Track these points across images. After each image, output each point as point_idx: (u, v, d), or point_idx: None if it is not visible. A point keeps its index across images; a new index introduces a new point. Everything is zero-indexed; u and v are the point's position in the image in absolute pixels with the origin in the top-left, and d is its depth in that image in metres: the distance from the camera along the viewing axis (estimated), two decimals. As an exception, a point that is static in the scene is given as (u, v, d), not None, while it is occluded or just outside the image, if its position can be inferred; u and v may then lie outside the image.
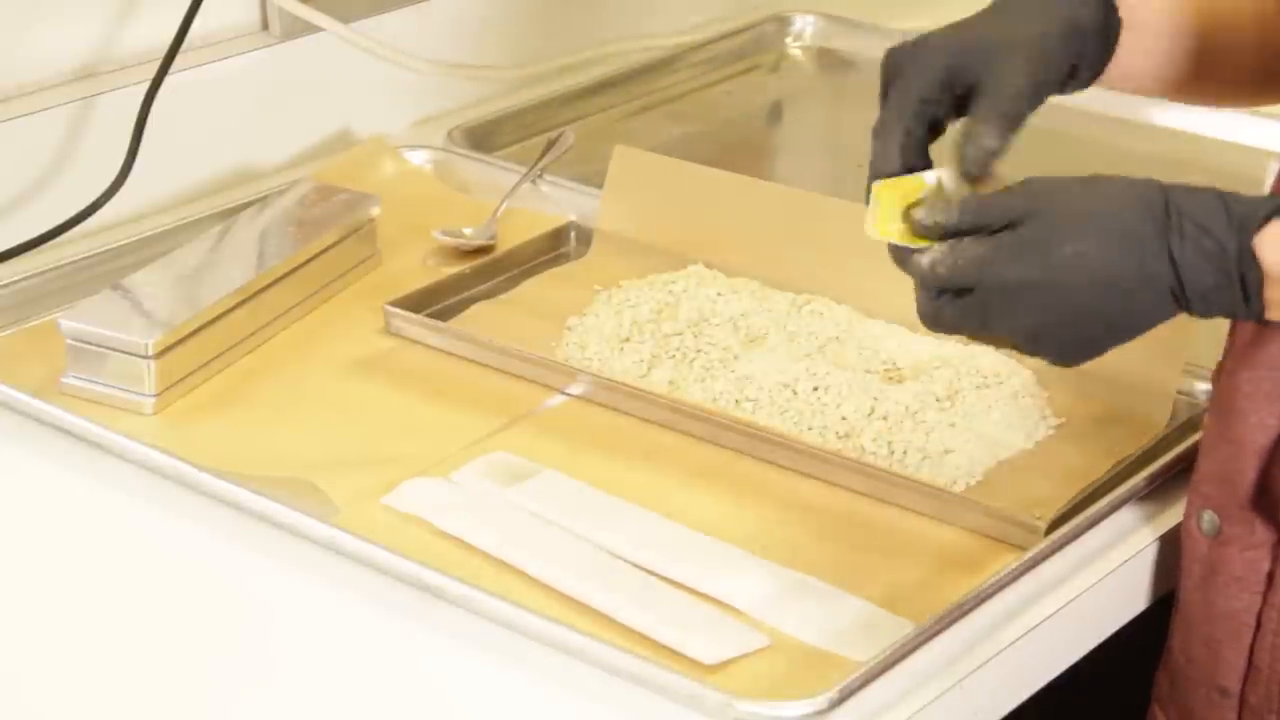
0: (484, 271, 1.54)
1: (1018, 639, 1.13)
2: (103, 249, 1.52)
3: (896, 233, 1.08)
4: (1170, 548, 1.22)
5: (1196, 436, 1.25)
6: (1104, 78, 1.19)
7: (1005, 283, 1.05)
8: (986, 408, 1.34)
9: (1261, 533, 1.15)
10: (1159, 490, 1.26)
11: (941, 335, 1.26)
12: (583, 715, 1.09)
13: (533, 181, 1.63)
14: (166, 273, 1.43)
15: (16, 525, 1.25)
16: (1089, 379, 1.34)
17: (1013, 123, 1.10)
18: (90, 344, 1.35)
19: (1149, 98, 1.28)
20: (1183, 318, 1.12)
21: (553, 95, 1.81)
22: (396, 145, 1.70)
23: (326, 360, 1.43)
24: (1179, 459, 1.27)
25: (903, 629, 1.13)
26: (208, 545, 1.22)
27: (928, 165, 1.11)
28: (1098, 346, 1.08)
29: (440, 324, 1.45)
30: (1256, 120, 1.74)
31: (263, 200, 1.55)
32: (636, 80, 1.87)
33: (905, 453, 1.30)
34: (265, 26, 1.70)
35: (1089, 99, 1.78)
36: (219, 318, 1.39)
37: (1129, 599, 1.22)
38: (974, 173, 1.09)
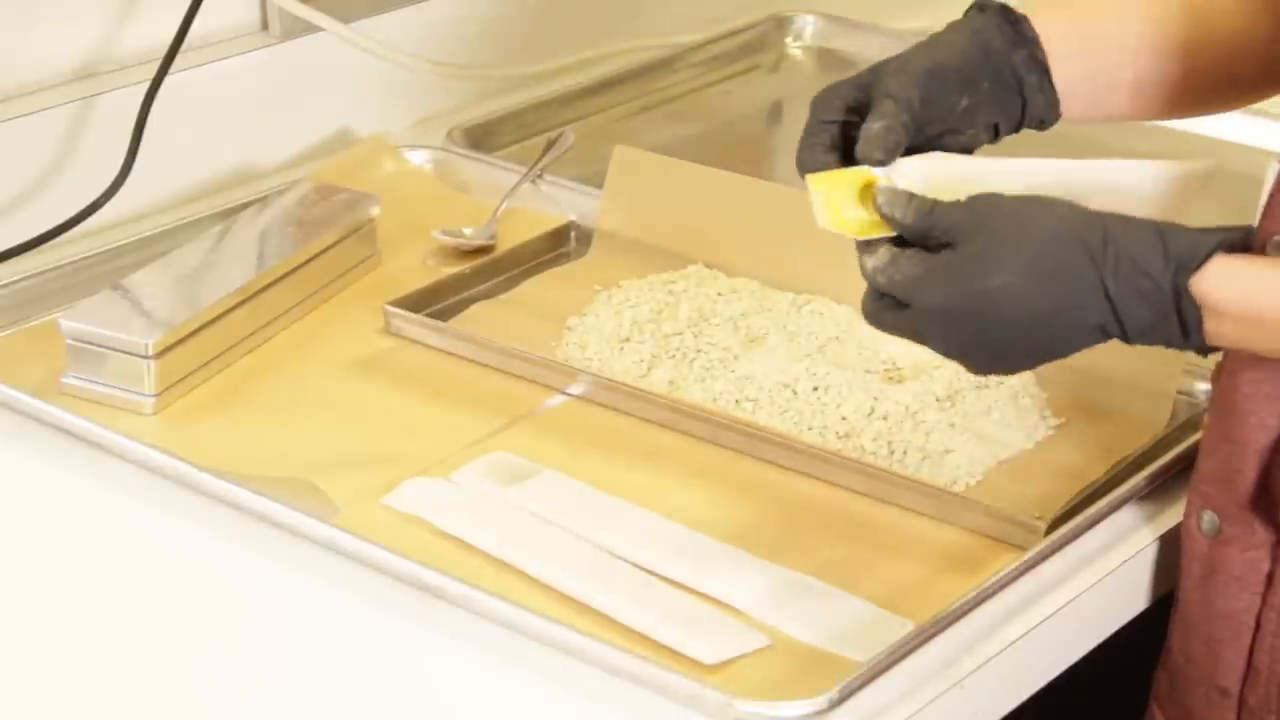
0: (484, 271, 1.54)
1: (1018, 639, 1.13)
2: (103, 249, 1.52)
3: (851, 225, 1.10)
4: (1170, 548, 1.22)
5: (1196, 436, 1.25)
6: (1076, 111, 1.21)
7: (933, 307, 1.07)
8: (986, 408, 1.34)
9: (1261, 533, 1.15)
10: (1159, 490, 1.26)
11: None
12: (583, 715, 1.09)
13: (533, 181, 1.63)
14: (166, 273, 1.43)
15: (16, 525, 1.25)
16: (1089, 379, 1.34)
17: (898, 110, 1.12)
18: (90, 344, 1.35)
19: (1147, 119, 1.29)
20: None
21: (553, 95, 1.81)
22: (396, 145, 1.69)
23: (326, 360, 1.43)
24: (1179, 459, 1.27)
25: (903, 629, 1.13)
26: (208, 545, 1.22)
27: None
28: (1024, 365, 1.11)
29: (440, 324, 1.45)
30: (1256, 120, 1.74)
31: (263, 200, 1.55)
32: (636, 80, 1.87)
33: (905, 453, 1.30)
34: (265, 26, 1.70)
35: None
36: (219, 318, 1.39)
37: (1128, 599, 1.22)
38: (873, 158, 1.11)
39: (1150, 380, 1.34)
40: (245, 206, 1.55)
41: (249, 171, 1.67)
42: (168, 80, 1.56)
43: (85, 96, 1.57)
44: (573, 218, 1.60)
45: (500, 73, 1.82)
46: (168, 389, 1.36)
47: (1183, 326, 1.05)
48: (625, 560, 1.20)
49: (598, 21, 1.91)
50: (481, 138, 1.73)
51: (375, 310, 1.46)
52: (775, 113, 1.98)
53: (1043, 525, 1.23)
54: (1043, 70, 1.18)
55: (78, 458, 1.29)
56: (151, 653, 1.14)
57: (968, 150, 1.18)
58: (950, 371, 1.37)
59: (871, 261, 1.09)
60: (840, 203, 1.11)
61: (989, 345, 1.08)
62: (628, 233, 1.55)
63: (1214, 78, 1.24)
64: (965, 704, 1.10)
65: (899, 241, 1.10)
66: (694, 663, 1.12)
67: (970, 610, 1.14)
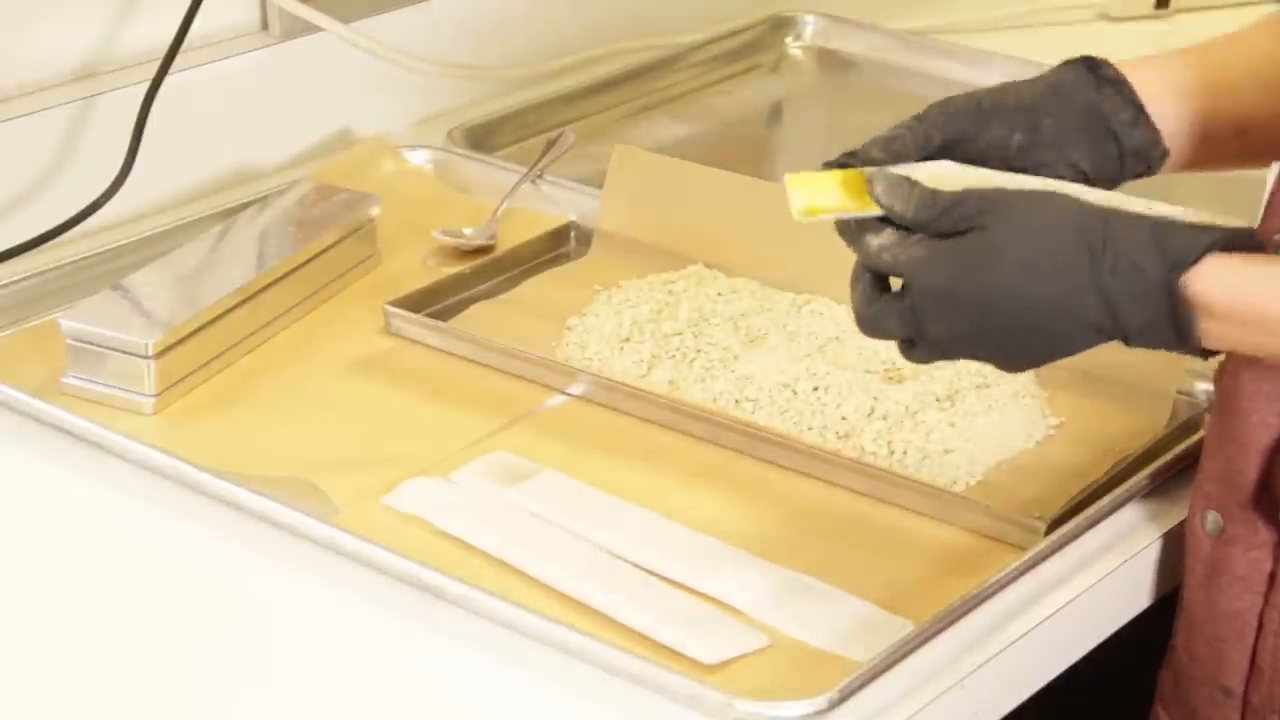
0: (484, 271, 1.54)
1: (1018, 639, 1.13)
2: (103, 249, 1.52)
3: (827, 209, 1.09)
4: (1170, 548, 1.22)
5: (1198, 436, 1.25)
6: (1187, 155, 1.19)
7: (936, 289, 1.06)
8: (986, 408, 1.34)
9: (1264, 533, 1.15)
10: (1159, 490, 1.26)
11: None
12: (583, 715, 1.09)
13: (533, 181, 1.63)
14: (166, 273, 1.43)
15: (16, 525, 1.25)
16: (1089, 379, 1.34)
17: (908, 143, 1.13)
18: (90, 344, 1.35)
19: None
20: None
21: (553, 95, 1.81)
22: (396, 145, 1.69)
23: (326, 360, 1.43)
24: (1179, 459, 1.27)
25: (903, 629, 1.13)
26: (208, 545, 1.22)
27: None
28: (1022, 363, 1.11)
29: (440, 324, 1.45)
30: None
31: (263, 200, 1.55)
32: (636, 80, 1.87)
33: (905, 453, 1.30)
34: (265, 26, 1.70)
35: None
36: (219, 318, 1.39)
37: (1128, 599, 1.22)
38: (871, 155, 1.11)
39: (1150, 380, 1.34)
40: (245, 206, 1.55)
41: (249, 171, 1.67)
42: (168, 80, 1.56)
43: (85, 96, 1.57)
44: (573, 218, 1.60)
45: (500, 73, 1.82)
46: (168, 389, 1.36)
47: (1177, 327, 1.05)
48: (625, 560, 1.20)
49: (598, 21, 1.91)
50: (481, 138, 1.73)
51: (375, 310, 1.46)
52: (775, 113, 1.98)
53: (1043, 525, 1.23)
54: (1136, 108, 1.16)
55: (78, 458, 1.29)
56: (152, 653, 1.14)
57: None
58: (950, 371, 1.37)
59: (877, 240, 1.08)
60: (818, 190, 1.10)
61: (987, 337, 1.07)
62: (628, 233, 1.55)
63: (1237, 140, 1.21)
64: (965, 704, 1.10)
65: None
66: (694, 663, 1.12)
67: (970, 610, 1.14)
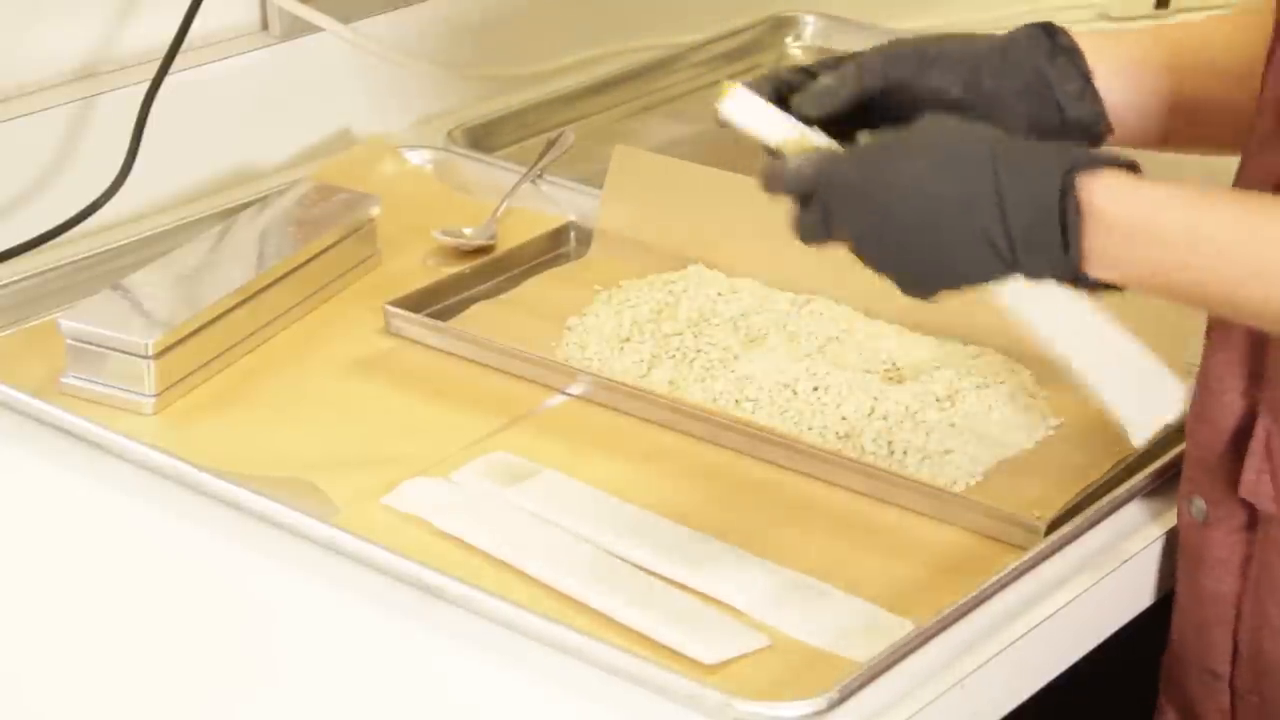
0: (484, 271, 1.54)
1: (1018, 639, 1.13)
2: (103, 249, 1.52)
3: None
4: (1170, 548, 1.22)
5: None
6: (1130, 132, 1.19)
7: (843, 185, 1.06)
8: (986, 408, 1.34)
9: (1241, 515, 1.16)
10: (1159, 490, 1.26)
11: (931, 332, 1.35)
12: (583, 715, 1.09)
13: (533, 181, 1.63)
14: (166, 273, 1.43)
15: (16, 525, 1.25)
16: (1089, 379, 1.34)
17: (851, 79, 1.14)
18: (90, 344, 1.35)
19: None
20: (1181, 319, 1.12)
21: (553, 95, 1.81)
22: (396, 145, 1.69)
23: (326, 360, 1.43)
24: (1179, 458, 1.27)
25: (903, 629, 1.13)
26: (208, 545, 1.22)
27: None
28: (925, 278, 1.07)
29: (440, 324, 1.45)
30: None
31: (263, 200, 1.55)
32: (636, 80, 1.87)
33: (905, 453, 1.30)
34: (265, 26, 1.70)
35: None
36: (219, 318, 1.39)
37: (1129, 599, 1.22)
38: (802, 112, 1.12)
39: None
40: (245, 206, 1.55)
41: (249, 171, 1.67)
42: (168, 80, 1.56)
43: (85, 96, 1.57)
44: (572, 218, 1.60)
45: (500, 73, 1.82)
46: (168, 389, 1.36)
47: (1064, 233, 1.02)
48: (625, 560, 1.20)
49: (598, 21, 1.91)
50: (481, 138, 1.73)
51: (375, 310, 1.46)
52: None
53: (1043, 525, 1.23)
54: (1084, 79, 1.16)
55: (78, 458, 1.29)
56: (152, 653, 1.14)
57: None
58: (950, 372, 1.37)
59: (795, 161, 1.08)
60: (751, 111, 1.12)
61: (887, 236, 1.06)
62: (628, 233, 1.55)
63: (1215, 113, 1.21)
64: (965, 704, 1.10)
65: None
66: (694, 663, 1.12)
67: (970, 610, 1.14)
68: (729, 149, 1.85)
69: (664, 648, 1.13)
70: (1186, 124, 1.20)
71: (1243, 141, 1.15)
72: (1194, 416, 1.18)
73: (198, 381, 1.38)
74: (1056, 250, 1.03)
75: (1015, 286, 1.06)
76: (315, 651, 1.14)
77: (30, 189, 1.55)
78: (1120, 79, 1.17)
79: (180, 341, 1.36)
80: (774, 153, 1.11)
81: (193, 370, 1.38)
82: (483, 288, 1.52)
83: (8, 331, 1.44)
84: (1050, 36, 1.16)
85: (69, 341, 1.36)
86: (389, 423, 1.35)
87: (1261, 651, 1.17)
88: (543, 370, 1.39)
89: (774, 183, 1.09)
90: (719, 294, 1.47)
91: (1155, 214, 1.03)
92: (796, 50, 1.99)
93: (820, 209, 1.07)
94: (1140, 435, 1.08)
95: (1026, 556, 1.19)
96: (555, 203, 1.62)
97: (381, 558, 1.17)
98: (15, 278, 1.47)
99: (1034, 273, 1.04)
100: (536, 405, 1.37)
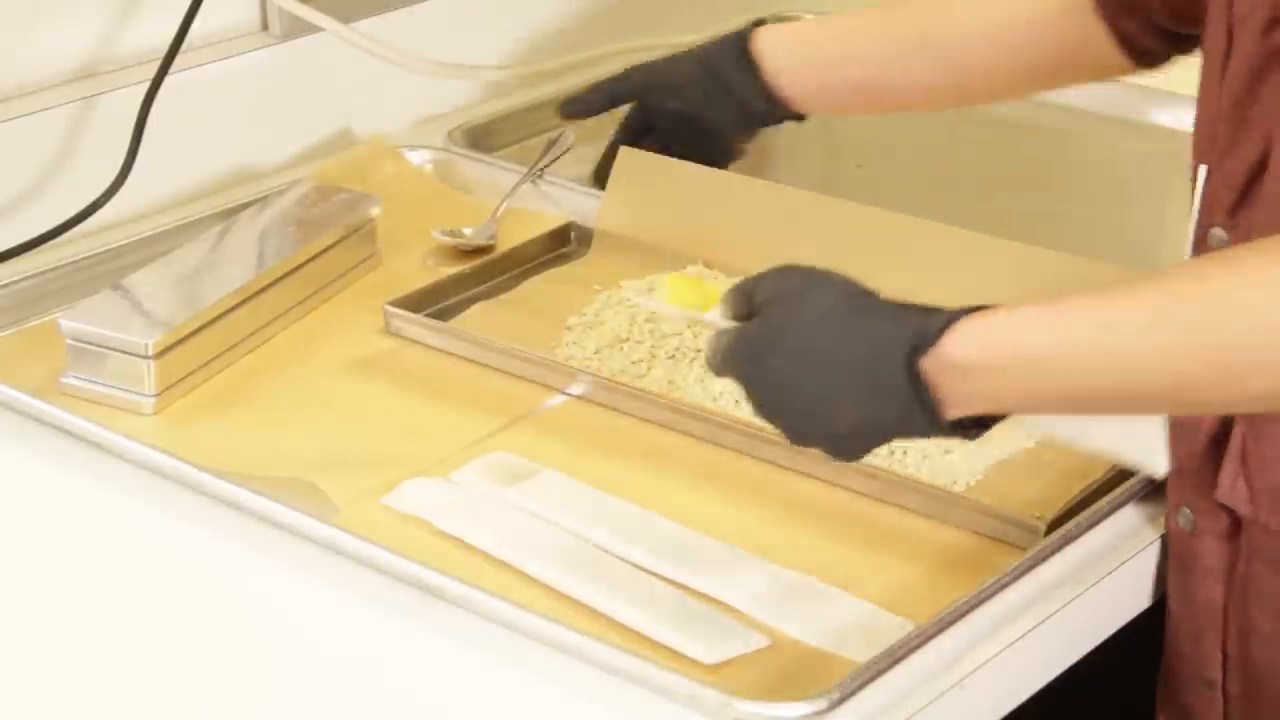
0: (484, 271, 1.54)
1: (1018, 639, 1.13)
2: (103, 249, 1.52)
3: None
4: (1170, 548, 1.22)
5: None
6: (812, 107, 1.46)
7: (738, 376, 1.12)
8: (986, 408, 1.34)
9: (1225, 522, 1.16)
10: (1159, 490, 1.26)
11: None
12: (583, 715, 1.09)
13: (533, 181, 1.63)
14: (166, 273, 1.43)
15: (16, 525, 1.25)
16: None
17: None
18: (90, 344, 1.35)
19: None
20: None
21: (553, 95, 1.80)
22: (396, 145, 1.70)
23: (326, 360, 1.43)
24: (1179, 459, 1.27)
25: (903, 629, 1.13)
26: (208, 545, 1.22)
27: None
28: (840, 452, 1.12)
29: (440, 324, 1.45)
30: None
31: (263, 200, 1.55)
32: (637, 80, 1.87)
33: (905, 453, 1.30)
34: (265, 26, 1.70)
35: (1088, 99, 1.79)
36: (219, 318, 1.39)
37: (1129, 599, 1.22)
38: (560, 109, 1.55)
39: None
40: (245, 206, 1.55)
41: (249, 171, 1.67)
42: (168, 80, 1.56)
43: (85, 96, 1.57)
44: (573, 218, 1.60)
45: (500, 73, 1.82)
46: (168, 389, 1.36)
47: (925, 410, 1.05)
48: (625, 560, 1.20)
49: (598, 21, 1.91)
50: (481, 138, 1.73)
51: (375, 310, 1.47)
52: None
53: (1043, 525, 1.23)
54: (760, 79, 1.44)
55: (78, 458, 1.29)
56: (152, 653, 1.14)
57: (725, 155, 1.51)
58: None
59: (709, 348, 1.14)
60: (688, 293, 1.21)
61: (792, 425, 1.11)
62: (628, 233, 1.55)
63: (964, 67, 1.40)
64: (965, 704, 1.10)
65: None
66: (694, 663, 1.12)
67: (970, 610, 1.14)
68: (729, 149, 1.86)
69: (664, 648, 1.13)
70: (860, 98, 1.45)
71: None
72: (1175, 426, 1.18)
73: (198, 381, 1.38)
74: (923, 423, 1.06)
75: None
76: (315, 651, 1.14)
77: (30, 189, 1.55)
78: (797, 74, 1.43)
79: (180, 341, 1.36)
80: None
81: (193, 370, 1.38)
82: (483, 288, 1.52)
83: (8, 331, 1.44)
84: (744, 42, 1.44)
85: (69, 341, 1.36)
86: (389, 423, 1.35)
87: (1250, 659, 1.17)
88: (543, 370, 1.39)
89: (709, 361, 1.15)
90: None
91: (1015, 338, 1.04)
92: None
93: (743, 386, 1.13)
94: (1159, 462, 1.08)
95: (1026, 557, 1.19)
96: (555, 203, 1.62)
97: (381, 558, 1.17)
98: (15, 278, 1.47)
99: (908, 436, 1.08)
100: (536, 405, 1.37)
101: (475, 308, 1.49)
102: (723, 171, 1.54)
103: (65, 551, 1.22)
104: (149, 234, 1.54)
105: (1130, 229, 1.80)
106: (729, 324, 1.13)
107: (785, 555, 1.21)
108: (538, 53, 1.85)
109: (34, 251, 1.50)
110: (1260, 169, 1.11)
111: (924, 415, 1.06)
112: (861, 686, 1.08)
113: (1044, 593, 1.17)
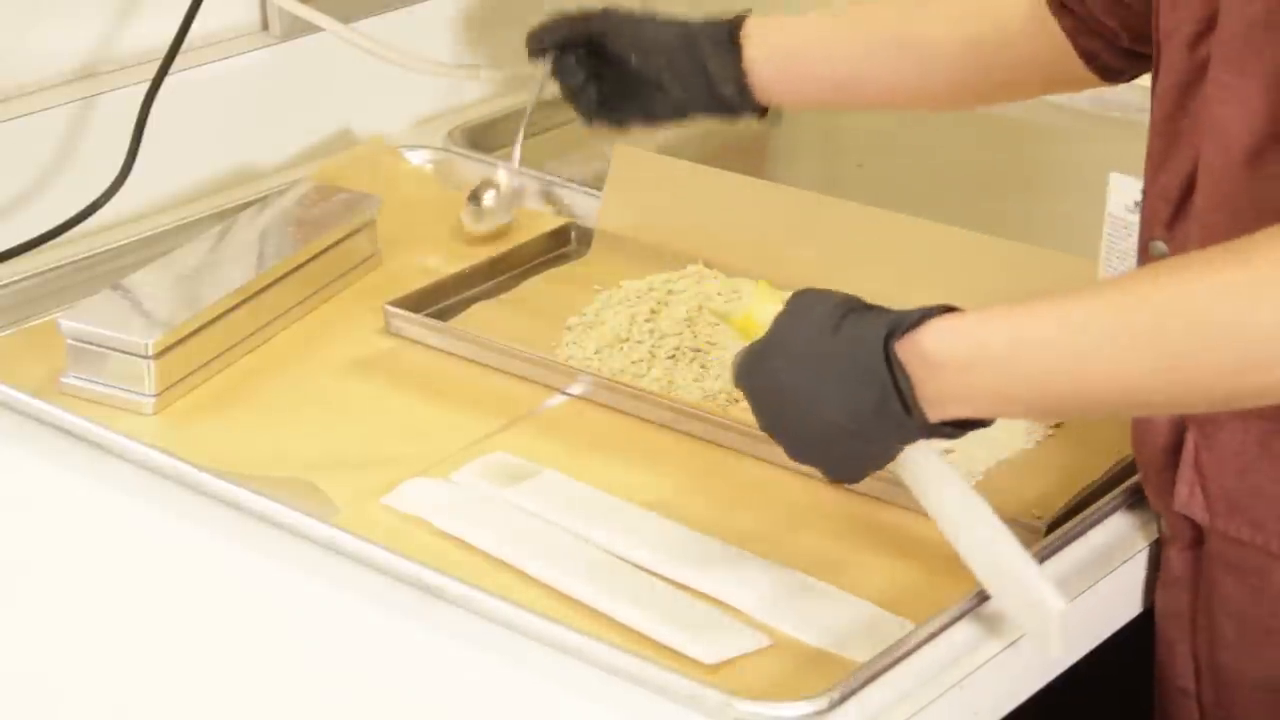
0: (484, 271, 1.54)
1: (1018, 639, 1.13)
2: (103, 249, 1.52)
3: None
4: (1170, 548, 1.22)
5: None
6: (780, 100, 1.43)
7: (740, 387, 1.13)
8: (986, 408, 1.34)
9: (1189, 531, 1.16)
10: (1159, 490, 1.26)
11: None
12: (583, 715, 1.09)
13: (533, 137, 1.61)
14: (166, 273, 1.43)
15: (16, 525, 1.25)
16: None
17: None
18: (90, 344, 1.35)
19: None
20: None
21: (553, 95, 1.80)
22: (396, 145, 1.70)
23: (326, 360, 1.43)
24: (1179, 459, 1.27)
25: (903, 629, 1.13)
26: (208, 545, 1.22)
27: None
28: (833, 467, 1.13)
29: (440, 324, 1.45)
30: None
31: (263, 200, 1.55)
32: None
33: (905, 453, 1.30)
34: (265, 26, 1.70)
35: (1088, 100, 1.79)
36: (219, 318, 1.40)
37: (1128, 600, 1.22)
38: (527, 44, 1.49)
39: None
40: (245, 206, 1.55)
41: (249, 171, 1.67)
42: (168, 80, 1.56)
43: (85, 96, 1.57)
44: (573, 218, 1.60)
45: (500, 73, 1.82)
46: (168, 389, 1.36)
47: (901, 399, 1.05)
48: (625, 560, 1.20)
49: (598, 21, 1.91)
50: (481, 138, 1.73)
51: (375, 310, 1.47)
52: (775, 113, 1.98)
53: (1043, 525, 1.23)
54: (738, 69, 1.39)
55: (78, 458, 1.29)
56: (152, 653, 1.14)
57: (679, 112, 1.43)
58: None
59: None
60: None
61: (789, 443, 1.11)
62: (628, 233, 1.55)
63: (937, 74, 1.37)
64: (965, 704, 1.10)
65: None
66: (694, 663, 1.12)
67: (970, 610, 1.14)
68: (729, 149, 1.87)
69: (664, 648, 1.13)
70: (837, 94, 1.42)
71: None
72: (1135, 436, 1.19)
73: (198, 381, 1.38)
74: (898, 415, 1.06)
75: (912, 471, 1.12)
76: (315, 651, 1.14)
77: (30, 189, 1.55)
78: (774, 68, 1.40)
79: (180, 341, 1.36)
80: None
81: (193, 370, 1.38)
82: (483, 288, 1.52)
83: (8, 331, 1.44)
84: (732, 26, 1.40)
85: (69, 341, 1.36)
86: (389, 423, 1.35)
87: (1219, 666, 1.17)
88: (543, 370, 1.39)
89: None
90: (718, 294, 1.47)
91: (980, 338, 1.05)
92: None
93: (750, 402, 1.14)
94: (1053, 646, 1.09)
95: (1026, 557, 1.19)
96: (555, 203, 1.62)
97: (381, 558, 1.17)
98: (15, 278, 1.47)
99: (889, 439, 1.08)
100: (536, 405, 1.37)
101: (475, 308, 1.49)
102: (723, 171, 1.54)
103: (66, 552, 1.22)
104: (149, 234, 1.54)
105: (1130, 229, 1.79)
106: None
107: (785, 555, 1.21)
108: (538, 53, 1.85)
109: (34, 251, 1.50)
110: (1192, 183, 1.12)
111: (900, 405, 1.05)
112: (861, 686, 1.08)
113: (1044, 593, 1.17)
